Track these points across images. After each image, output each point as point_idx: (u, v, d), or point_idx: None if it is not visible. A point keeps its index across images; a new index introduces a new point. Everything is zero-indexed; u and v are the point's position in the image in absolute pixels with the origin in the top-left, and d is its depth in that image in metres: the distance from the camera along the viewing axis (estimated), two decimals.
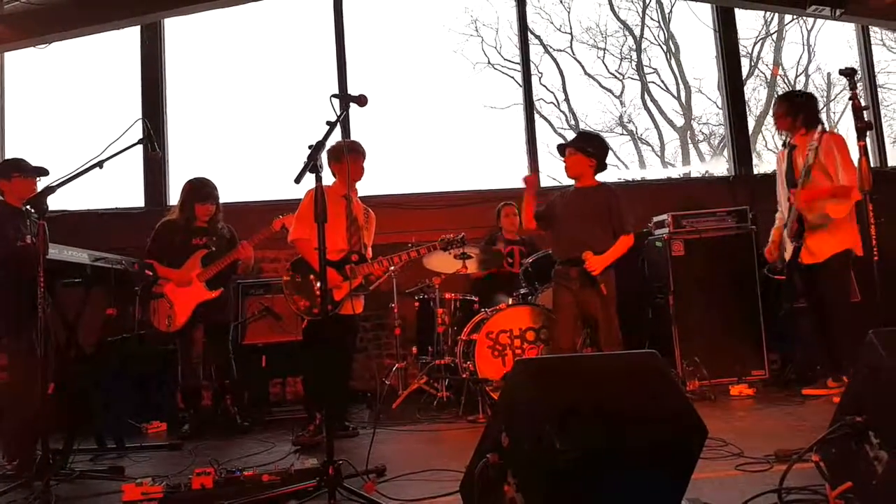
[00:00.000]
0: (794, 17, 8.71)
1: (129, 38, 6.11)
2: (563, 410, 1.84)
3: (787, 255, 4.20)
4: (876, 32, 7.59)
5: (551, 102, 9.32)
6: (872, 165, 6.66)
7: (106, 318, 4.24)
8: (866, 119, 2.79)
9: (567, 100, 9.34)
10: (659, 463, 1.87)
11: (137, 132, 3.74)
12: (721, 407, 4.19)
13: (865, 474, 1.96)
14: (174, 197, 4.85)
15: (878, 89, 7.13)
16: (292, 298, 3.85)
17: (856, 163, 2.96)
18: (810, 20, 9.08)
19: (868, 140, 6.75)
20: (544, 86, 9.11)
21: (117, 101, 6.27)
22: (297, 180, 2.67)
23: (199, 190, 4.38)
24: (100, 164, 3.29)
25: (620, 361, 2.15)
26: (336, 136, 3.70)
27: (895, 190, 3.94)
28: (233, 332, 4.58)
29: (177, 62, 6.24)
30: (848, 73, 2.87)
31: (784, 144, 4.35)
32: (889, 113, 9.02)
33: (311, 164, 2.68)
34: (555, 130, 9.28)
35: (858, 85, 3.01)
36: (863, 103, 3.06)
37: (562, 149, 4.04)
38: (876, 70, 7.10)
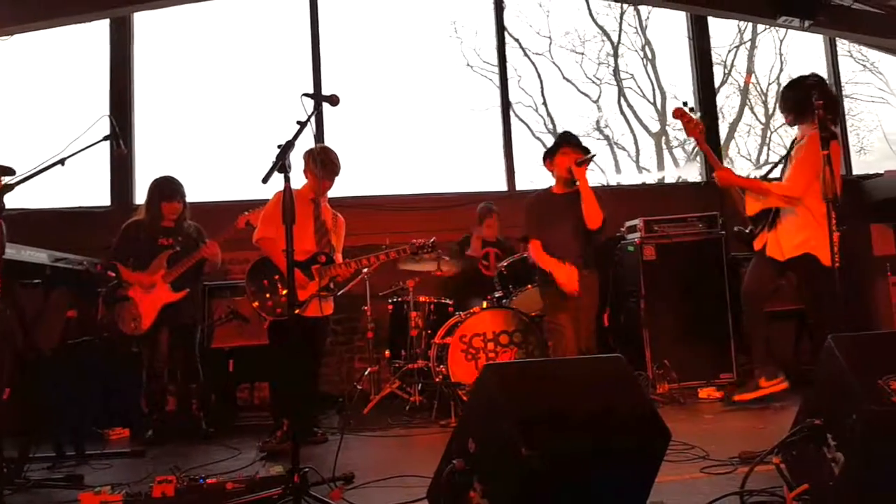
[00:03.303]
0: (766, 26, 8.86)
1: (96, 33, 5.99)
2: (528, 415, 1.83)
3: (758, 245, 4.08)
4: (844, 44, 7.77)
5: (530, 106, 9.36)
6: (840, 174, 6.85)
7: (67, 321, 4.14)
8: (831, 129, 2.82)
9: (545, 103, 9.38)
10: (623, 467, 1.87)
11: (103, 129, 3.66)
12: (689, 410, 4.23)
13: (823, 475, 1.99)
14: (141, 196, 4.75)
15: (848, 99, 7.28)
16: (255, 297, 3.79)
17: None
18: (782, 30, 9.24)
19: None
20: (523, 89, 9.13)
21: (83, 97, 6.14)
22: (265, 180, 2.63)
23: (166, 188, 4.30)
24: (62, 162, 3.20)
25: (586, 366, 2.14)
26: (308, 136, 3.67)
27: (859, 198, 3.99)
28: (199, 335, 4.48)
29: (146, 58, 6.13)
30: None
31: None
32: (857, 122, 9.23)
33: (280, 165, 2.63)
34: (533, 134, 9.31)
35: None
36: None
37: (578, 146, 3.98)
38: (844, 81, 7.25)
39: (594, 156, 3.87)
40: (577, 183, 3.84)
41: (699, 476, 2.64)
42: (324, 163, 3.82)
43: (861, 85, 9.13)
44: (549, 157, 4.04)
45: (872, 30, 6.89)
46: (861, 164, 7.27)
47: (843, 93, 7.31)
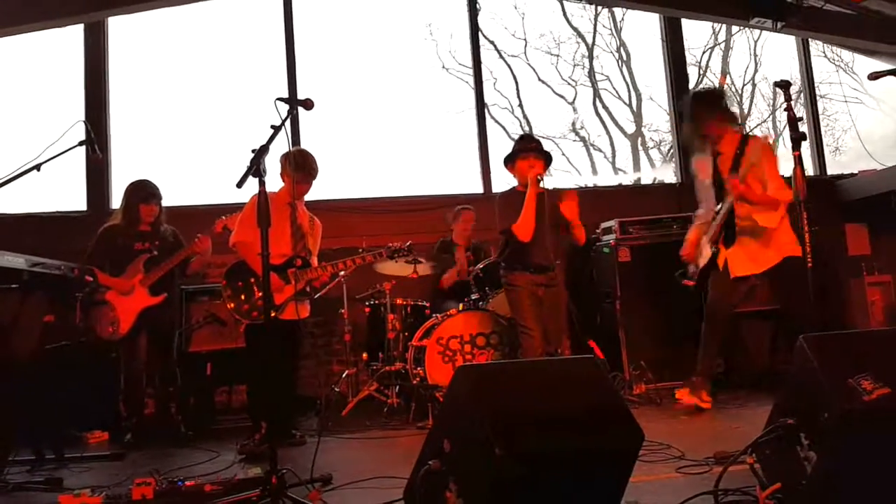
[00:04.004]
0: (740, 27, 8.99)
1: (71, 37, 5.92)
2: (502, 416, 1.86)
3: (702, 262, 4.09)
4: (818, 45, 7.91)
5: (505, 108, 9.41)
6: (812, 174, 6.99)
7: (44, 325, 4.10)
8: (800, 130, 2.88)
9: (521, 105, 9.43)
10: (597, 467, 1.90)
11: (79, 134, 3.64)
12: (666, 410, 4.28)
13: (796, 474, 2.03)
14: (117, 200, 4.71)
15: (822, 100, 7.42)
16: (231, 300, 3.80)
17: (789, 171, 3.05)
18: (756, 31, 9.38)
19: (808, 149, 7.07)
20: (498, 91, 9.18)
21: (58, 102, 6.07)
22: (240, 185, 2.64)
23: (142, 190, 4.28)
24: (37, 167, 3.20)
25: (559, 367, 2.18)
26: (283, 140, 3.67)
27: (833, 198, 4.06)
28: (177, 338, 4.46)
29: (121, 62, 6.07)
30: (783, 85, 2.97)
31: (694, 151, 4.24)
32: (832, 123, 9.40)
33: (254, 169, 2.65)
34: (509, 135, 9.36)
35: (797, 96, 3.13)
36: (798, 114, 3.17)
37: (539, 153, 4.08)
38: (819, 81, 7.38)
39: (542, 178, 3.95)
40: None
41: (674, 476, 2.68)
42: (301, 166, 3.82)
43: (835, 85, 9.31)
44: (510, 161, 4.15)
45: (845, 31, 7.02)
46: (836, 165, 7.40)
47: (818, 93, 7.44)
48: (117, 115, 5.96)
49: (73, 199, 5.74)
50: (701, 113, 4.05)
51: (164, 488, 2.75)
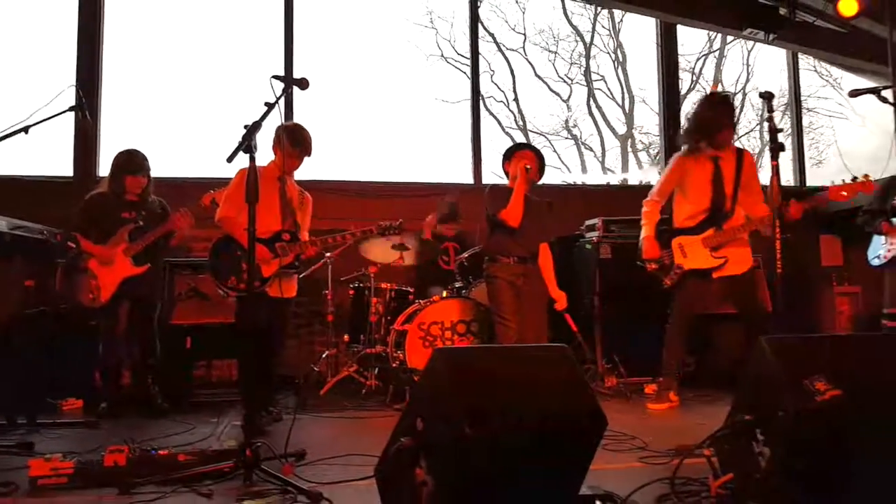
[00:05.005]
0: (734, 37, 9.09)
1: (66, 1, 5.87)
2: (473, 397, 1.92)
3: (693, 264, 4.15)
4: (809, 59, 8.04)
5: (501, 101, 9.45)
6: (792, 185, 7.13)
7: (24, 290, 4.10)
8: (779, 141, 2.98)
9: (516, 99, 9.49)
10: (561, 450, 1.97)
11: (69, 98, 3.63)
12: (634, 404, 4.41)
13: (750, 468, 2.12)
14: (105, 168, 4.70)
15: (809, 113, 7.54)
16: (216, 273, 3.78)
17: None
18: (750, 42, 9.50)
19: (790, 160, 7.20)
20: (495, 84, 9.23)
21: (50, 65, 6.03)
22: (230, 160, 2.67)
23: (131, 161, 4.26)
24: (25, 130, 3.19)
25: (532, 353, 2.25)
26: (276, 118, 3.69)
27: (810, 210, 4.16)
28: (159, 310, 4.48)
29: (116, 29, 6.02)
30: (766, 96, 3.07)
31: (691, 150, 4.25)
32: (817, 136, 9.55)
33: (245, 145, 2.68)
34: (503, 129, 9.42)
35: (784, 108, 3.22)
36: (782, 126, 3.27)
37: (535, 154, 4.20)
38: (807, 95, 7.51)
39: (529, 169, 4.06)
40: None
41: (636, 465, 2.79)
42: (296, 140, 3.78)
43: (823, 100, 9.47)
44: (507, 159, 4.24)
45: (834, 47, 7.16)
46: (817, 177, 7.55)
47: (805, 106, 7.58)
48: (110, 81, 5.93)
49: (61, 164, 5.71)
50: (724, 117, 4.13)
51: (137, 456, 2.75)
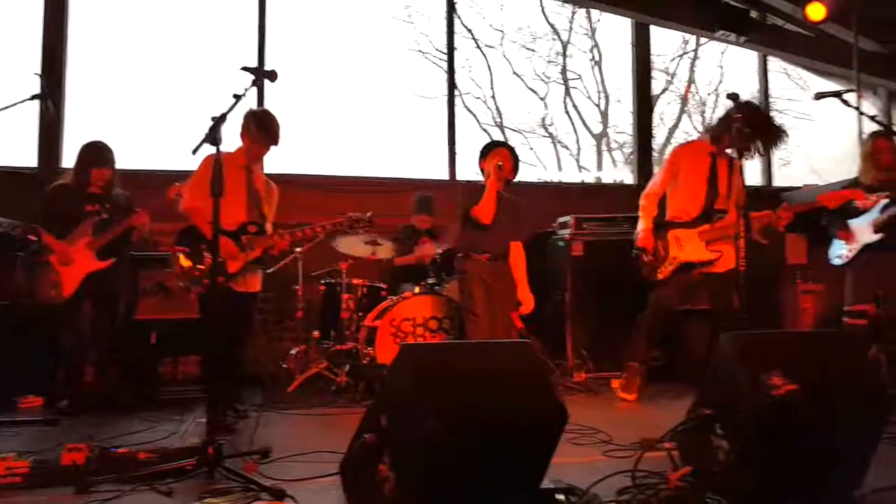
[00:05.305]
0: (707, 39, 9.21)
1: None
2: (437, 393, 1.92)
3: (688, 256, 4.20)
4: (780, 62, 8.17)
5: (479, 97, 9.46)
6: (760, 185, 7.26)
7: None
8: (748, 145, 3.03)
9: (494, 96, 9.50)
10: (523, 443, 1.99)
11: (33, 87, 3.54)
12: (602, 398, 4.46)
13: (710, 460, 2.16)
14: (69, 159, 4.59)
15: (780, 114, 7.67)
16: (180, 267, 3.67)
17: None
18: (724, 44, 9.63)
19: (758, 160, 7.33)
20: (473, 80, 9.23)
21: (13, 52, 5.86)
22: (195, 151, 2.62)
23: (96, 153, 4.16)
24: None
25: (496, 349, 2.25)
26: (244, 110, 3.63)
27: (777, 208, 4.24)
28: (123, 306, 4.39)
29: (82, 17, 5.89)
30: (732, 97, 3.11)
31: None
32: (786, 137, 9.70)
33: (211, 137, 2.64)
34: (480, 125, 9.43)
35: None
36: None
37: (511, 153, 4.19)
38: (777, 97, 7.65)
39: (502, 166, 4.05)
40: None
41: (600, 458, 2.82)
42: (263, 128, 3.67)
43: (793, 102, 9.63)
44: (483, 157, 4.22)
45: (802, 50, 7.31)
46: (785, 178, 7.69)
47: (775, 108, 7.72)
48: (75, 71, 5.79)
49: (25, 155, 5.57)
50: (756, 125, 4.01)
51: (96, 454, 2.69)
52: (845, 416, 2.12)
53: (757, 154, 3.95)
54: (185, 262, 3.67)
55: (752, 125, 3.84)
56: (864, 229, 4.41)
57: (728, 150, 4.28)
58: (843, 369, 2.23)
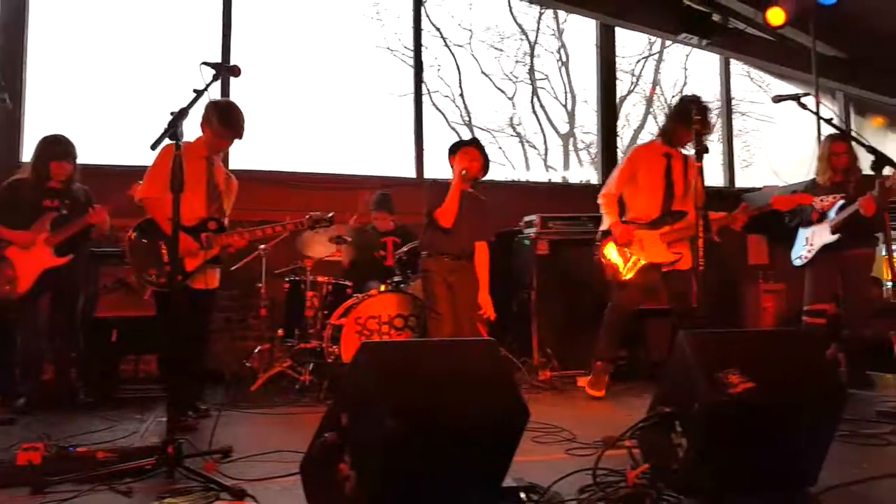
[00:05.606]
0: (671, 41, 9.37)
1: None
2: (398, 391, 1.92)
3: (651, 258, 4.24)
4: (742, 65, 8.36)
5: (447, 96, 9.48)
6: (721, 185, 7.43)
7: None
8: (704, 143, 3.11)
9: (462, 95, 9.53)
10: (485, 441, 2.00)
11: None
12: (566, 396, 4.49)
13: (669, 458, 2.19)
14: (29, 153, 4.47)
15: (742, 117, 7.84)
16: (136, 263, 3.55)
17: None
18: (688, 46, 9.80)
19: (720, 161, 7.49)
20: (441, 78, 9.25)
21: None
22: (154, 146, 2.58)
23: (56, 147, 4.07)
24: None
25: (459, 347, 2.26)
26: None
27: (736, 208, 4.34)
28: (83, 302, 4.29)
29: (42, 12, 5.74)
30: (692, 100, 3.19)
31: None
32: (749, 139, 9.93)
33: (171, 132, 2.60)
34: (448, 124, 9.45)
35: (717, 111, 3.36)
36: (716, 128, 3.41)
37: (481, 153, 4.18)
38: (739, 99, 7.82)
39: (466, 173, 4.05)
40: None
41: (563, 457, 2.84)
42: (227, 121, 3.56)
43: (755, 104, 9.85)
44: (453, 153, 4.22)
45: (763, 54, 7.50)
46: (747, 179, 7.87)
47: (737, 110, 7.90)
48: (34, 65, 5.64)
49: None
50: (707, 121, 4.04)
51: (53, 454, 2.64)
52: (802, 414, 2.18)
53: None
54: (134, 268, 3.58)
55: (705, 123, 3.94)
56: (822, 230, 4.55)
57: (683, 150, 4.35)
58: (800, 368, 2.28)
